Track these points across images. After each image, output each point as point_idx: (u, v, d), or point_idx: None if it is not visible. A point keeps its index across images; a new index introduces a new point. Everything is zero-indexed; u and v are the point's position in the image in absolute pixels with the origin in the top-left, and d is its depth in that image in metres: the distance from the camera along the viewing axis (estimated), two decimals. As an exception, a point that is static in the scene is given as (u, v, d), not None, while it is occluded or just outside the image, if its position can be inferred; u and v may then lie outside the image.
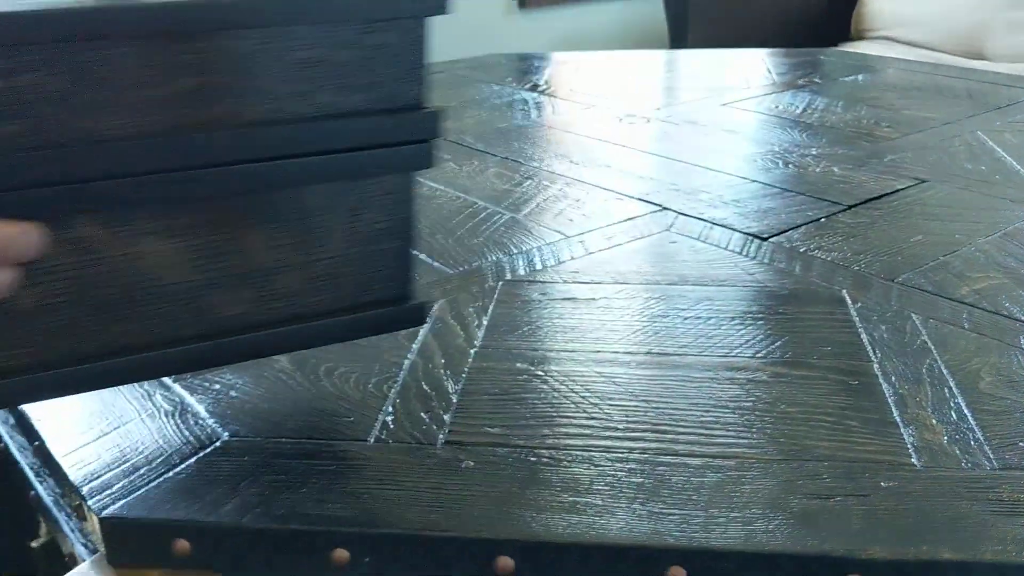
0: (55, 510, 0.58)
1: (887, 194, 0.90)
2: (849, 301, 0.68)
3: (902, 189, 0.91)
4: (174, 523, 0.46)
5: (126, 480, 0.50)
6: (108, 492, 0.49)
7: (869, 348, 0.61)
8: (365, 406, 0.56)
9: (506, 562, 0.45)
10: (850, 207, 0.86)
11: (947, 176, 0.95)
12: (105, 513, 0.47)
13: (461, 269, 0.74)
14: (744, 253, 0.77)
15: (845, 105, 1.25)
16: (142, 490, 0.49)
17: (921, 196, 0.89)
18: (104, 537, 0.47)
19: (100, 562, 0.48)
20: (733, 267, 0.74)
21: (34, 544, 0.85)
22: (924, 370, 0.58)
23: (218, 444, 0.52)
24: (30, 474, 0.62)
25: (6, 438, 0.65)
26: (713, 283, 0.71)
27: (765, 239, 0.79)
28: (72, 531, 0.56)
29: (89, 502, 0.48)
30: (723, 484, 0.48)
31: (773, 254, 0.76)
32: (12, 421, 0.67)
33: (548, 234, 0.81)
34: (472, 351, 0.62)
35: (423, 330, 0.65)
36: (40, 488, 0.60)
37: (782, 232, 0.81)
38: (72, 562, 0.58)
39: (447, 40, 1.75)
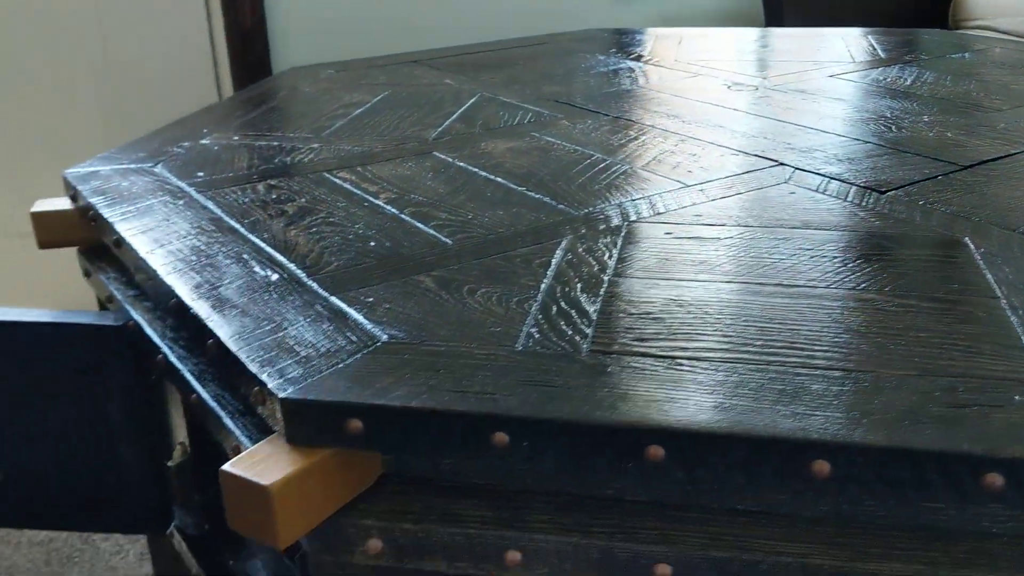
0: (218, 408, 0.63)
1: (1001, 157, 0.91)
2: (972, 246, 0.69)
3: (1016, 154, 0.92)
4: (349, 404, 0.51)
5: (300, 369, 0.54)
6: (285, 378, 0.53)
7: (995, 286, 0.63)
8: (510, 320, 0.59)
9: (656, 450, 0.48)
10: (965, 167, 0.87)
11: (1063, 142, 0.95)
12: (285, 394, 0.51)
13: (586, 211, 0.78)
14: (863, 204, 0.78)
15: (953, 79, 1.25)
16: (315, 377, 0.53)
17: (1038, 159, 0.90)
18: (285, 417, 0.51)
19: (276, 442, 0.53)
20: (853, 216, 0.76)
21: (169, 464, 0.91)
22: (1052, 306, 0.60)
23: (379, 344, 0.57)
24: (191, 379, 0.67)
25: (165, 351, 0.71)
26: (835, 228, 0.73)
27: (883, 192, 0.81)
28: (236, 426, 0.61)
29: (269, 385, 0.52)
30: (862, 393, 0.50)
31: (892, 205, 0.78)
32: (170, 323, 0.72)
33: (667, 183, 0.84)
34: (606, 277, 0.65)
35: (555, 259, 0.68)
36: (202, 390, 0.65)
37: (899, 187, 0.82)
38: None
39: (548, 21, 1.79)
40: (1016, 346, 0.55)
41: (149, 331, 0.74)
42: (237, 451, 0.62)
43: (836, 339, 0.56)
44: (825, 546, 0.49)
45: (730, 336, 0.57)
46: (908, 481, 0.46)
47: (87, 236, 0.89)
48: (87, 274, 0.90)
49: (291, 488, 0.50)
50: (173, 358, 0.70)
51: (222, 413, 0.62)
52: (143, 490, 0.90)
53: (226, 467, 0.50)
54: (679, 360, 0.54)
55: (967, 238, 0.71)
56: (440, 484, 0.54)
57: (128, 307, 0.78)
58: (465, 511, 0.53)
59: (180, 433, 0.91)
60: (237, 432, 0.60)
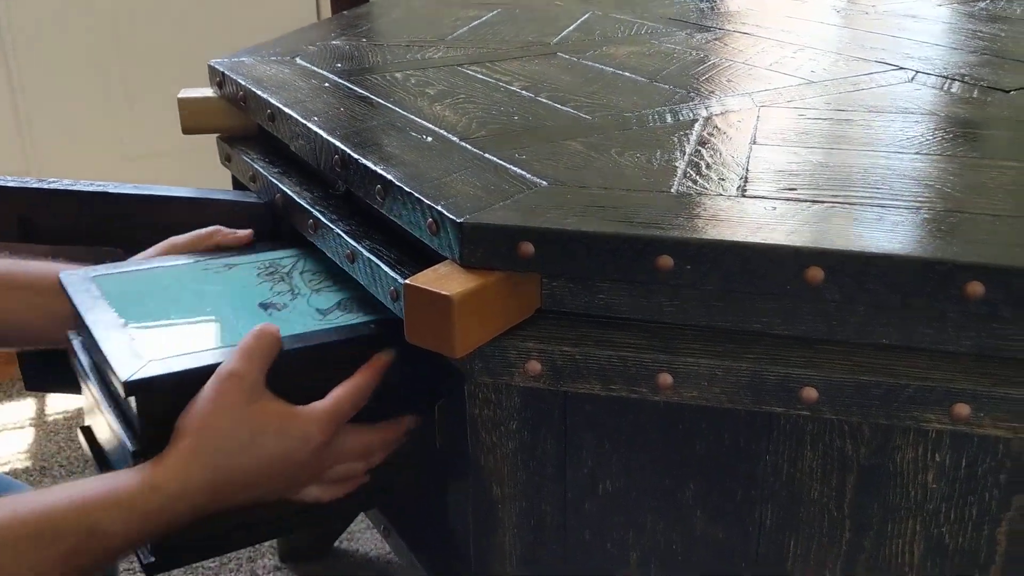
0: (376, 259, 0.67)
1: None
2: (1103, 133, 0.71)
3: None
4: (523, 228, 0.55)
5: (472, 202, 0.58)
6: (460, 207, 0.57)
7: None
8: (662, 173, 0.63)
9: (816, 272, 0.51)
10: (1088, 76, 0.88)
11: None
12: (463, 219, 0.55)
13: (718, 97, 0.81)
14: (988, 101, 0.80)
15: (1065, 11, 1.25)
16: (487, 208, 0.57)
17: None
18: (462, 238, 0.55)
19: (451, 264, 0.57)
20: (986, 108, 0.78)
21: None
22: None
23: (542, 187, 0.61)
24: (347, 237, 0.71)
25: (317, 215, 0.75)
26: (964, 115, 0.75)
27: (1007, 92, 0.82)
28: (396, 273, 0.65)
29: (446, 213, 0.57)
30: (1011, 231, 0.53)
31: (1019, 101, 0.80)
32: (318, 195, 0.77)
33: (793, 80, 0.86)
34: (747, 143, 0.68)
35: (695, 131, 0.71)
36: (358, 245, 0.69)
37: (1021, 89, 0.84)
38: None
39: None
40: None
41: (299, 200, 0.79)
42: (396, 296, 0.67)
43: (980, 193, 0.59)
44: (968, 373, 0.52)
45: (878, 188, 0.60)
46: (1061, 303, 0.49)
47: (230, 123, 0.95)
48: (227, 159, 0.95)
49: (469, 301, 0.54)
50: (325, 220, 0.74)
51: (381, 263, 0.66)
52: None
53: (409, 280, 0.55)
54: (833, 204, 0.57)
55: (1098, 126, 0.73)
56: (593, 318, 0.58)
57: (275, 182, 0.83)
58: (620, 338, 0.56)
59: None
60: (398, 277, 0.65)
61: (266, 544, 1.21)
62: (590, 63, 0.94)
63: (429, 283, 0.54)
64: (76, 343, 0.72)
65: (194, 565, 1.18)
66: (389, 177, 0.63)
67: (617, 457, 0.61)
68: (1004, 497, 0.55)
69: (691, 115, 0.75)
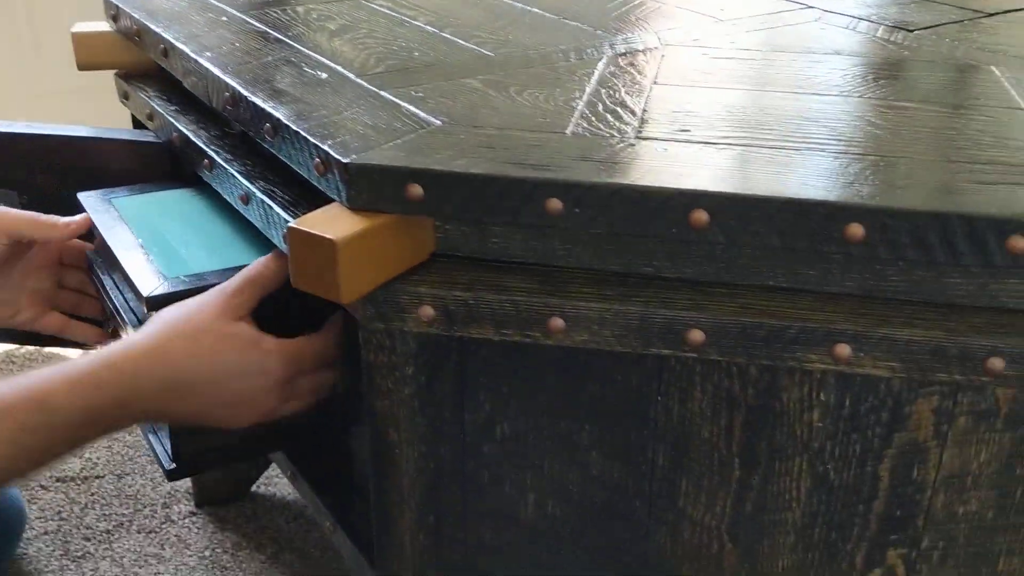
0: (269, 200, 0.65)
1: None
2: (996, 71, 0.72)
3: (1042, 8, 0.94)
4: (411, 170, 0.53)
5: (360, 142, 0.57)
6: (348, 148, 0.56)
7: (1019, 100, 0.65)
8: (558, 113, 0.62)
9: (700, 215, 0.51)
10: (990, 15, 0.89)
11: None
12: (348, 160, 0.54)
13: (624, 36, 0.79)
14: (891, 40, 0.80)
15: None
16: (376, 148, 0.56)
17: (1062, 12, 0.92)
18: (348, 180, 0.54)
19: (338, 206, 0.56)
20: (886, 46, 0.78)
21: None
22: (1075, 118, 0.63)
23: (435, 126, 0.59)
24: (241, 177, 0.69)
25: (212, 154, 0.73)
26: (864, 55, 0.75)
27: (911, 31, 0.83)
28: (289, 215, 0.64)
29: (332, 153, 0.55)
30: (897, 173, 0.53)
31: (921, 40, 0.80)
32: (214, 133, 0.75)
33: (700, 19, 0.86)
34: (648, 83, 0.67)
35: (597, 70, 0.70)
36: (252, 186, 0.67)
37: (927, 27, 0.84)
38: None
39: None
40: (1044, 141, 0.58)
41: (194, 139, 0.76)
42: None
43: (871, 134, 0.59)
44: (849, 315, 0.53)
45: (772, 129, 0.59)
46: (937, 245, 0.49)
47: (126, 58, 0.91)
48: (125, 96, 0.92)
49: (355, 245, 0.53)
50: (220, 159, 0.72)
51: (274, 204, 0.65)
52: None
53: (292, 223, 0.53)
54: (723, 146, 0.57)
55: (992, 66, 0.73)
56: (487, 262, 0.58)
57: (172, 120, 0.80)
58: (512, 282, 0.56)
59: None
60: (290, 219, 0.63)
61: (181, 490, 1.20)
62: (499, -1, 0.92)
63: (313, 226, 0.53)
64: (96, 262, 0.79)
65: (106, 512, 1.17)
66: (277, 115, 0.61)
67: (514, 400, 0.61)
68: (886, 434, 0.57)
69: (596, 54, 0.74)
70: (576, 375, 0.60)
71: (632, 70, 0.70)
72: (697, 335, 0.53)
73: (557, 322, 0.55)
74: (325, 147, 0.56)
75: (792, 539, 0.61)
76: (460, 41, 0.77)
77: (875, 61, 0.74)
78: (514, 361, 0.60)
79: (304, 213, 0.62)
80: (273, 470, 1.23)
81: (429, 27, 0.81)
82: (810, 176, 0.53)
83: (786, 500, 0.60)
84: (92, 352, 0.60)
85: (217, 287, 0.64)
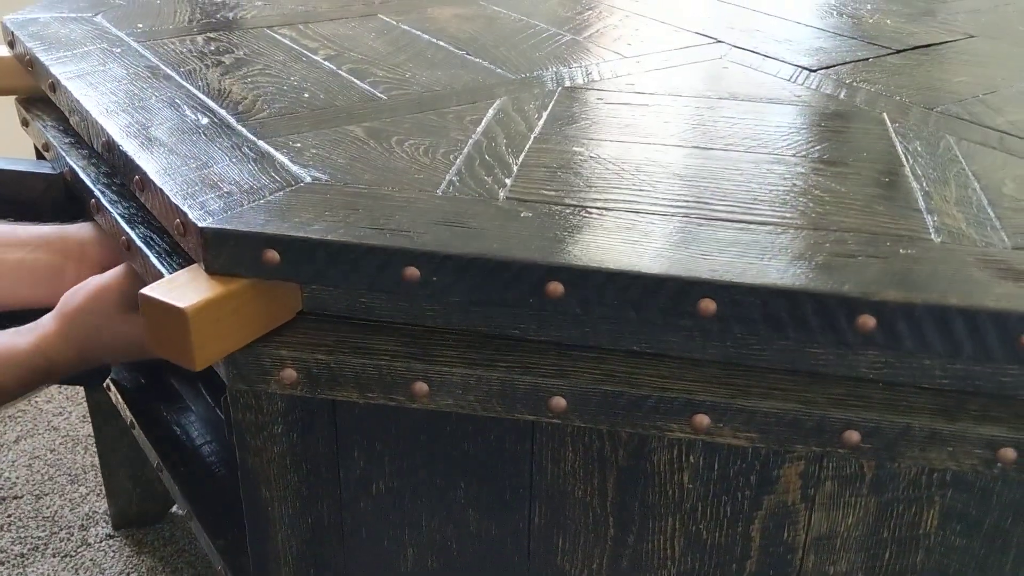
0: (145, 248, 0.64)
1: (936, 44, 0.92)
2: (888, 122, 0.71)
3: (951, 41, 0.94)
4: (267, 235, 0.52)
5: (222, 202, 0.55)
6: (206, 210, 0.55)
7: (903, 156, 0.65)
8: (434, 169, 0.61)
9: (556, 287, 0.50)
10: (898, 51, 0.89)
11: (997, 33, 0.97)
12: (204, 224, 0.53)
13: (523, 76, 0.79)
14: (793, 80, 0.80)
15: (905, -27, 1.25)
16: (236, 211, 0.55)
17: (969, 47, 0.92)
18: (204, 245, 0.53)
19: (195, 271, 0.54)
20: (782, 90, 0.78)
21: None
22: (952, 175, 0.62)
23: (303, 184, 0.58)
24: (121, 221, 0.68)
25: (97, 195, 0.72)
26: (762, 101, 0.75)
27: (814, 71, 0.82)
28: (163, 265, 0.63)
29: (190, 216, 0.54)
30: (756, 242, 0.53)
31: (820, 83, 0.80)
32: (104, 170, 0.73)
33: (607, 54, 0.85)
34: (532, 135, 0.67)
35: (487, 117, 0.69)
36: (131, 231, 0.66)
37: (831, 67, 0.84)
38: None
39: None
40: (912, 208, 0.58)
41: (83, 176, 0.75)
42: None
43: (741, 196, 0.59)
44: (709, 384, 0.52)
45: (643, 190, 0.59)
46: (788, 321, 0.49)
47: (25, 84, 0.89)
48: (25, 123, 0.90)
49: (207, 312, 0.52)
50: (105, 201, 0.70)
51: (149, 252, 0.63)
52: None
53: (145, 290, 0.52)
54: (588, 209, 0.56)
55: (884, 114, 0.73)
56: (354, 321, 0.57)
57: (63, 154, 0.78)
58: (377, 344, 0.55)
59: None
60: (164, 271, 0.62)
61: (99, 512, 1.19)
62: (408, 27, 0.90)
63: (165, 293, 0.52)
64: None
65: (22, 535, 1.15)
66: (145, 169, 0.60)
67: (389, 458, 0.61)
68: (755, 496, 0.57)
69: (489, 96, 0.73)
70: (449, 434, 0.59)
71: (520, 119, 0.69)
72: (560, 402, 0.53)
73: (421, 387, 0.54)
74: (184, 208, 0.55)
75: (668, 596, 0.61)
76: (355, 80, 0.76)
77: (769, 109, 0.74)
78: (387, 420, 0.59)
79: (180, 264, 0.61)
80: (195, 491, 1.22)
81: (327, 63, 0.80)
82: (669, 246, 0.52)
83: (661, 558, 0.60)
84: (24, 336, 0.71)
85: (108, 274, 0.70)
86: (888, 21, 0.99)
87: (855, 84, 0.79)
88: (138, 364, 0.97)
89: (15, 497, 1.21)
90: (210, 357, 0.53)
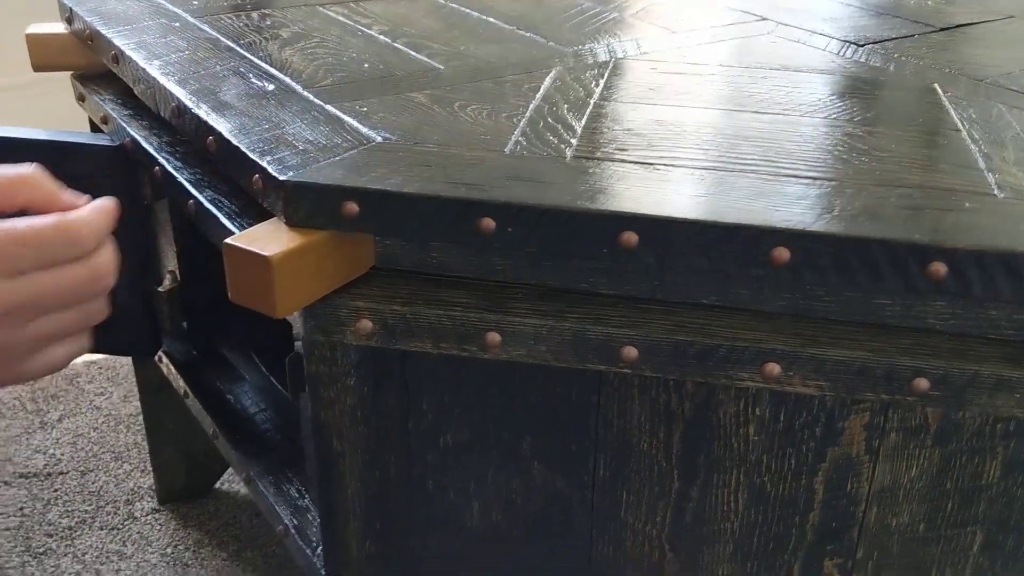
0: (215, 210, 0.66)
1: (977, 23, 0.93)
2: (940, 91, 0.73)
3: (992, 21, 0.95)
4: (346, 188, 0.54)
5: (299, 158, 0.57)
6: (285, 165, 0.56)
7: (958, 121, 0.66)
8: (499, 131, 0.62)
9: (630, 237, 0.52)
10: (941, 29, 0.90)
11: (1039, 13, 0.98)
12: (286, 177, 0.54)
13: (575, 48, 0.80)
14: (841, 54, 0.81)
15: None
16: (314, 165, 0.56)
17: (1009, 27, 0.93)
18: (285, 198, 0.54)
19: (276, 223, 0.56)
20: (832, 62, 0.79)
21: (160, 289, 0.94)
22: (1008, 138, 0.64)
23: (374, 143, 0.60)
24: (189, 186, 0.69)
25: (162, 162, 0.73)
26: (814, 71, 0.76)
27: (861, 45, 0.84)
28: (234, 226, 0.64)
29: (270, 171, 0.55)
30: (823, 195, 0.54)
31: (869, 56, 0.81)
32: (166, 140, 0.75)
33: (655, 30, 0.86)
34: (592, 100, 0.68)
35: (544, 85, 0.71)
36: (200, 195, 0.68)
37: (877, 42, 0.85)
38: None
39: None
40: (972, 167, 0.59)
41: (146, 145, 0.76)
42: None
43: (801, 154, 0.60)
44: (779, 334, 0.54)
45: (707, 150, 0.60)
46: (859, 269, 0.50)
47: (81, 61, 0.91)
48: (81, 98, 0.92)
49: (290, 261, 0.53)
50: (170, 168, 0.72)
51: (219, 214, 0.65)
52: (134, 315, 0.93)
53: (229, 240, 0.54)
54: (657, 166, 0.58)
55: (936, 84, 0.74)
56: (425, 275, 0.58)
57: (124, 125, 0.80)
58: (449, 297, 0.57)
59: (170, 262, 0.94)
60: (236, 231, 0.64)
61: (144, 487, 1.21)
62: (457, 6, 0.92)
63: (250, 242, 0.53)
64: None
65: (69, 509, 1.17)
66: (219, 129, 0.61)
67: (457, 410, 0.62)
68: (820, 449, 0.58)
69: (544, 68, 0.75)
70: (517, 386, 0.60)
71: (578, 86, 0.71)
72: (631, 352, 0.54)
73: (494, 337, 0.56)
74: (264, 164, 0.56)
75: (731, 549, 0.62)
76: (412, 52, 0.78)
77: (821, 78, 0.75)
78: (457, 372, 0.61)
79: (250, 224, 0.62)
80: (236, 469, 1.24)
81: (382, 37, 0.81)
82: (740, 198, 0.53)
83: (724, 511, 0.61)
84: None
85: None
86: (929, 2, 1.01)
87: (903, 58, 0.81)
88: (192, 336, 0.99)
89: (61, 473, 1.23)
90: (291, 306, 0.55)
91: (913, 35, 0.88)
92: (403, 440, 0.64)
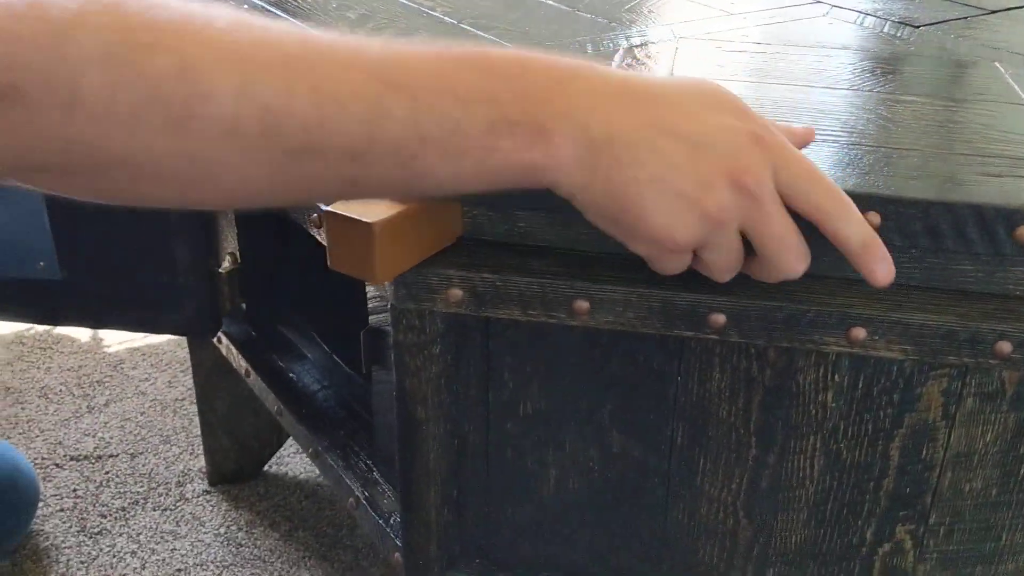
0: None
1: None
2: (1001, 69, 0.74)
3: (1042, 4, 0.96)
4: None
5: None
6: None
7: (1020, 93, 0.68)
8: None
9: (725, 203, 0.53)
10: (993, 12, 0.92)
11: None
12: (384, 148, 0.56)
13: (639, 28, 0.82)
14: (899, 35, 0.83)
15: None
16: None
17: (1062, 8, 0.94)
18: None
19: None
20: (892, 42, 0.80)
21: (220, 270, 0.96)
22: (1078, 112, 0.65)
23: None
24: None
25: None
26: (874, 51, 0.78)
27: (917, 27, 0.85)
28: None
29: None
30: (907, 165, 0.56)
31: (926, 36, 0.82)
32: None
33: (712, 12, 0.88)
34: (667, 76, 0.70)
35: (615, 61, 0.72)
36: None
37: (932, 24, 0.86)
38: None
39: None
40: (1045, 138, 0.60)
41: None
42: (319, 223, 0.68)
43: (881, 127, 0.61)
44: (865, 299, 0.55)
45: (788, 120, 0.62)
46: (948, 233, 0.52)
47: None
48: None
49: (390, 228, 0.55)
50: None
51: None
52: (196, 295, 0.95)
53: (330, 208, 0.55)
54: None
55: (996, 63, 0.75)
56: (512, 245, 0.60)
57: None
58: (539, 265, 0.58)
59: (230, 243, 0.96)
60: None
61: (193, 470, 1.23)
62: (514, -11, 0.94)
63: (350, 210, 0.55)
64: None
65: (121, 490, 1.19)
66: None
67: (537, 379, 0.64)
68: (897, 415, 0.59)
69: (611, 46, 0.76)
70: (598, 355, 0.62)
71: (648, 62, 0.72)
72: (719, 318, 0.56)
73: (582, 304, 0.57)
74: (360, 135, 0.58)
75: (805, 515, 0.64)
76: (480, 32, 0.79)
77: (882, 56, 0.77)
78: (538, 341, 0.62)
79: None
80: (285, 449, 1.25)
81: (447, 18, 0.83)
82: (825, 166, 0.55)
83: (800, 478, 0.62)
84: None
85: None
86: (977, -15, 1.02)
87: (959, 38, 0.82)
88: (250, 315, 1.00)
89: (111, 456, 1.25)
90: (389, 273, 0.56)
91: (966, 17, 0.89)
92: (483, 409, 0.65)
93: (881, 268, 0.47)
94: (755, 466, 0.63)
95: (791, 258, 0.48)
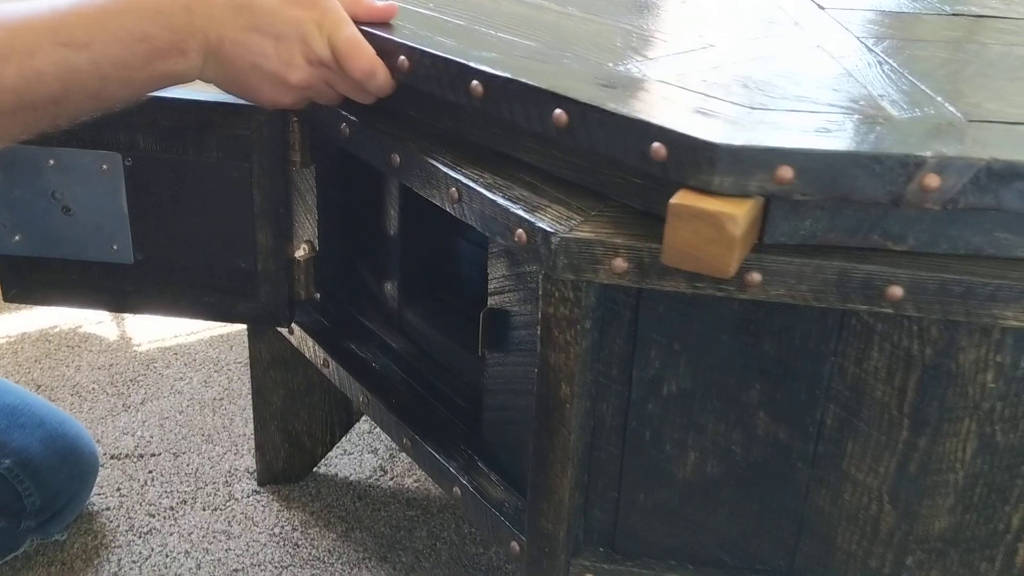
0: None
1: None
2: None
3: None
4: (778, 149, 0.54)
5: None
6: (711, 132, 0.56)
7: None
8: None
9: (932, 179, 0.52)
10: None
11: None
12: (722, 142, 0.54)
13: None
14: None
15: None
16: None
17: None
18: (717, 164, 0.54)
19: (688, 192, 0.56)
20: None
21: (298, 256, 0.94)
22: None
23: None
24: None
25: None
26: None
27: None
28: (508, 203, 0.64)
29: (696, 136, 0.55)
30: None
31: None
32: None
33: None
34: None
35: (747, 45, 0.72)
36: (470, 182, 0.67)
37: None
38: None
39: None
40: None
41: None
42: (457, 197, 0.66)
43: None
44: (1047, 273, 0.54)
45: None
46: None
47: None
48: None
49: (744, 221, 0.51)
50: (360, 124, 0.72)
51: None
52: (273, 282, 0.92)
53: (680, 200, 0.51)
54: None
55: None
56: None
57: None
58: (706, 237, 0.57)
59: (306, 231, 0.94)
60: (524, 216, 0.64)
61: (240, 469, 1.19)
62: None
63: (707, 203, 0.51)
64: None
65: (167, 489, 1.15)
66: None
67: (685, 357, 0.62)
68: (1056, 395, 0.59)
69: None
70: (752, 332, 0.61)
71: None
72: (896, 291, 0.55)
73: (754, 276, 0.56)
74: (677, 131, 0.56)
75: (952, 501, 0.62)
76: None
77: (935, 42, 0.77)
78: (689, 317, 0.61)
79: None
80: (333, 451, 1.22)
81: (554, 6, 0.82)
82: (1013, 138, 0.54)
83: (951, 461, 0.61)
84: None
85: None
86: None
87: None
88: (324, 305, 0.98)
89: (153, 454, 1.21)
90: (736, 266, 0.52)
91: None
92: (624, 388, 0.64)
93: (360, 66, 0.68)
94: (905, 449, 0.62)
95: (359, 90, 0.71)
